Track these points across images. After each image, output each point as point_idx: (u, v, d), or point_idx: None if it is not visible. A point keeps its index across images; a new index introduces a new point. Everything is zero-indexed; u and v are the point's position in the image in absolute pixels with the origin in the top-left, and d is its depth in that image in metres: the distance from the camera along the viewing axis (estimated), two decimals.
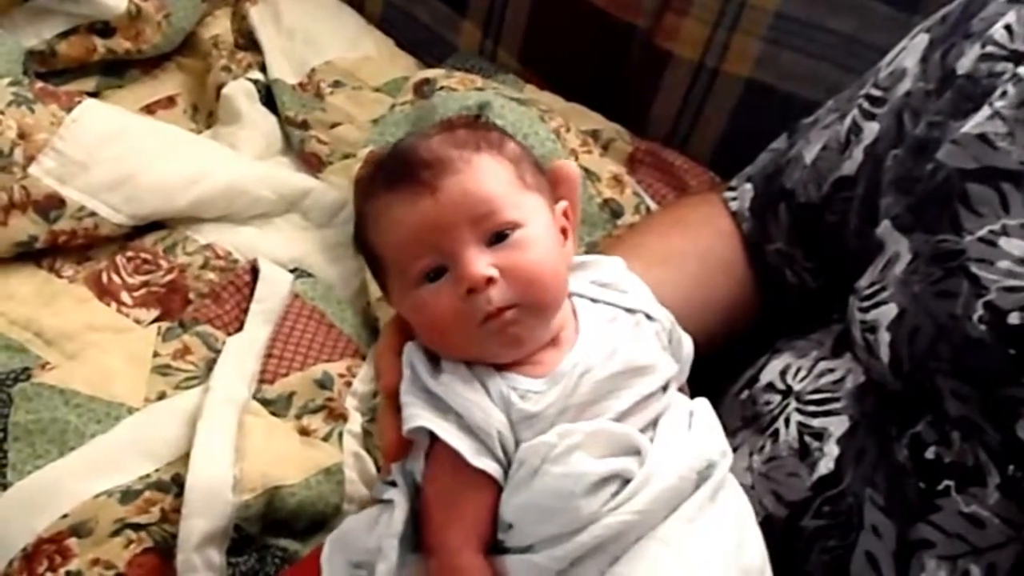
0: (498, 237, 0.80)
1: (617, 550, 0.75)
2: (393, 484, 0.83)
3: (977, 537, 0.84)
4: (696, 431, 0.83)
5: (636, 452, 0.78)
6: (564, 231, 0.87)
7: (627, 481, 0.76)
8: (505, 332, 0.78)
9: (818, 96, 1.38)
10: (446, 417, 0.78)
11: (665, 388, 0.83)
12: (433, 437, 0.78)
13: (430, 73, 1.75)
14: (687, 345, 0.89)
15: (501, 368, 0.80)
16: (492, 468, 0.77)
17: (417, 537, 0.80)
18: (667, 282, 0.95)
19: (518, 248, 0.80)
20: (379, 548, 0.79)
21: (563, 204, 0.88)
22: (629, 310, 0.86)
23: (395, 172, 0.82)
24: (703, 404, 0.86)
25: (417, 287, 0.81)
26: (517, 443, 0.78)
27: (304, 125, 1.83)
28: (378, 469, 1.30)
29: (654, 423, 0.81)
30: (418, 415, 0.78)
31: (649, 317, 0.86)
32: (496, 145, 0.84)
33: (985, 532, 0.84)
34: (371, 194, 0.84)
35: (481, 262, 0.78)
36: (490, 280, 0.78)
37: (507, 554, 0.77)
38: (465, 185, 0.79)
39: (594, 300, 0.86)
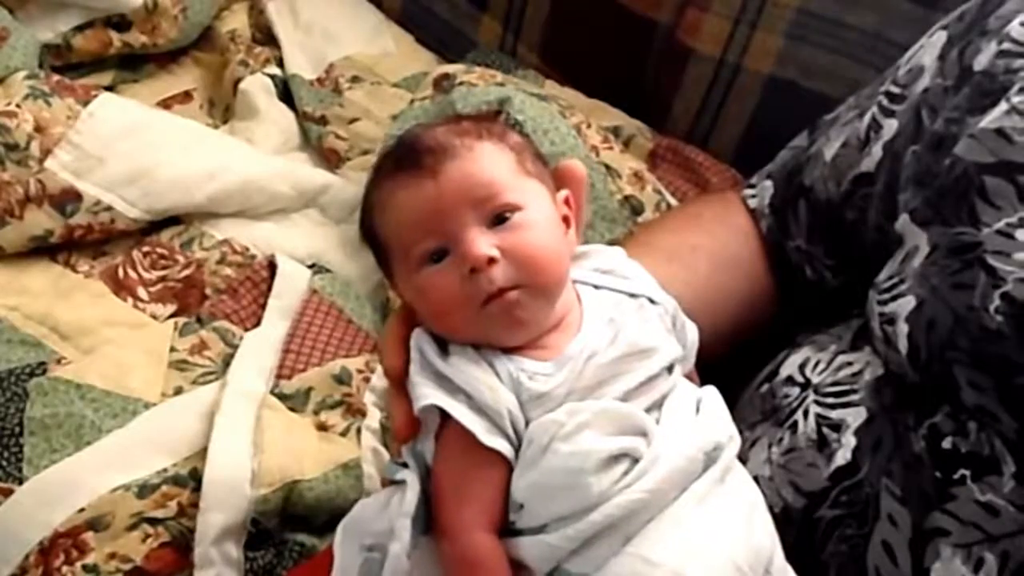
0: (499, 219, 0.81)
1: (629, 530, 0.76)
2: (405, 465, 0.84)
3: (992, 525, 0.86)
4: (704, 415, 0.84)
5: (643, 433, 0.79)
6: (567, 220, 0.88)
7: (636, 461, 0.78)
8: (507, 313, 0.80)
9: (839, 92, 1.38)
10: (456, 397, 0.79)
11: (670, 370, 0.85)
12: (444, 418, 0.79)
13: (450, 68, 1.75)
14: (692, 331, 0.91)
15: (509, 351, 0.81)
16: (503, 447, 0.78)
17: (429, 519, 0.81)
18: (677, 279, 0.96)
19: (519, 229, 0.81)
20: (391, 530, 0.80)
21: (564, 192, 0.89)
22: (632, 295, 0.87)
23: (400, 159, 0.84)
24: (711, 391, 0.87)
25: (419, 270, 0.82)
26: (526, 423, 0.79)
27: (322, 120, 1.83)
28: None
29: (659, 404, 0.82)
30: (429, 394, 0.79)
31: (652, 301, 0.87)
32: (498, 134, 0.86)
33: (1000, 520, 0.85)
34: (377, 181, 0.86)
35: (483, 242, 0.79)
36: (491, 260, 0.79)
37: (520, 536, 0.78)
38: (466, 169, 0.81)
39: (597, 287, 0.87)
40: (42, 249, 1.53)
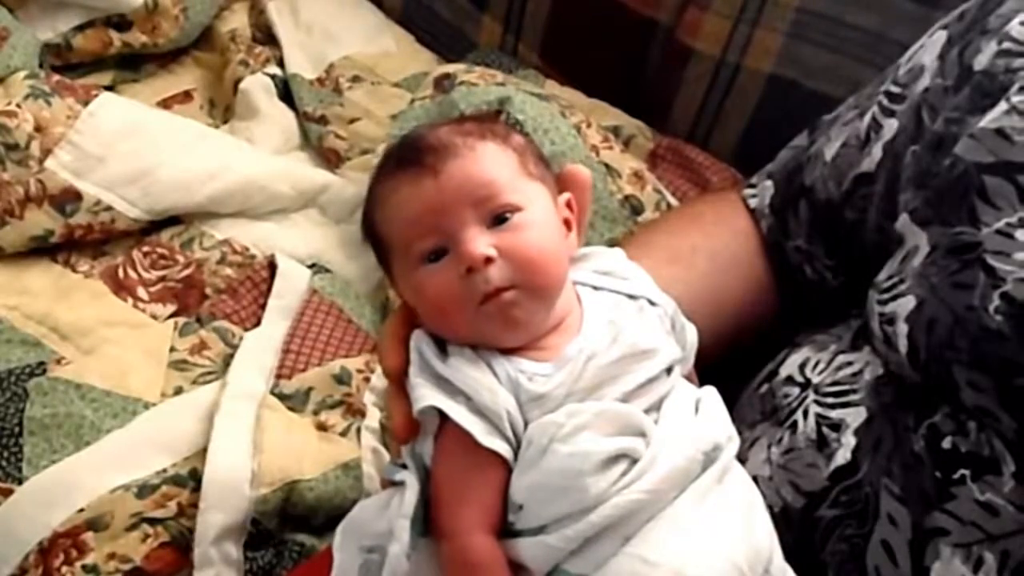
0: (498, 220, 0.81)
1: (628, 530, 0.76)
2: (404, 466, 0.83)
3: (992, 525, 0.85)
4: (702, 416, 0.84)
5: (642, 433, 0.79)
6: (567, 223, 0.88)
7: (635, 461, 0.77)
8: (503, 314, 0.79)
9: (840, 91, 1.38)
10: (455, 399, 0.78)
11: (669, 371, 0.84)
12: (443, 419, 0.79)
13: (450, 68, 1.74)
14: (691, 332, 0.91)
15: (507, 352, 0.81)
16: (502, 448, 0.77)
17: (428, 520, 0.80)
18: (677, 280, 0.97)
19: (518, 230, 0.81)
20: (390, 531, 0.80)
21: (566, 195, 0.89)
22: (631, 296, 0.87)
23: (402, 157, 0.84)
24: (711, 392, 0.87)
25: (418, 268, 0.82)
26: (525, 424, 0.78)
27: (322, 120, 1.82)
28: None
29: (658, 405, 0.82)
30: (428, 396, 0.79)
31: (651, 303, 0.87)
32: (501, 135, 0.86)
33: (999, 520, 0.85)
34: (379, 179, 0.86)
35: (480, 242, 0.79)
36: (488, 260, 0.79)
37: (519, 536, 0.78)
38: (467, 168, 0.81)
39: (596, 288, 0.87)
40: (42, 249, 1.53)
